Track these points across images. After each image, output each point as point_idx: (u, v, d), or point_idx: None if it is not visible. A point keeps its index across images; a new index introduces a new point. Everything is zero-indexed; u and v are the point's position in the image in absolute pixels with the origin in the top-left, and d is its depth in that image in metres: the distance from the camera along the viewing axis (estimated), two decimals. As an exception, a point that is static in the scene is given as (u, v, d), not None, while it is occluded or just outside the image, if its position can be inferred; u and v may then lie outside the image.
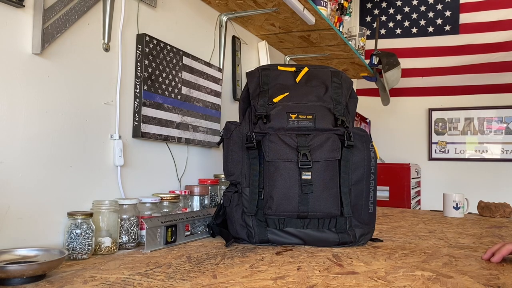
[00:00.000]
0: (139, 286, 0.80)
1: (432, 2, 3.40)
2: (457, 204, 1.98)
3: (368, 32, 3.35)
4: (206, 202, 1.50)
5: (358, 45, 2.76)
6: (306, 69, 1.33)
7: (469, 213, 2.13)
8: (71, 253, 1.01)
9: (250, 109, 1.27)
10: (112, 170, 1.27)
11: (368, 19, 3.61)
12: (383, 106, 3.04)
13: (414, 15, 3.44)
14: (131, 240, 1.15)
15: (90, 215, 1.04)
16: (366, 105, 3.49)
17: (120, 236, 1.14)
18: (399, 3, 3.50)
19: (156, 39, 1.40)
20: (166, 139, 1.44)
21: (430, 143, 3.38)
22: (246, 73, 1.36)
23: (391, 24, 3.52)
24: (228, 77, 1.91)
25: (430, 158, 3.38)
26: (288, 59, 2.48)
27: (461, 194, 2.00)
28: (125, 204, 1.16)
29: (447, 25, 3.34)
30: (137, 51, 1.34)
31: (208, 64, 1.67)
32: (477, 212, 2.11)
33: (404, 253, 1.15)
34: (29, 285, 0.80)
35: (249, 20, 1.93)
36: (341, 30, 2.40)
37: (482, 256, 1.10)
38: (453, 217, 1.97)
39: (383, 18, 3.54)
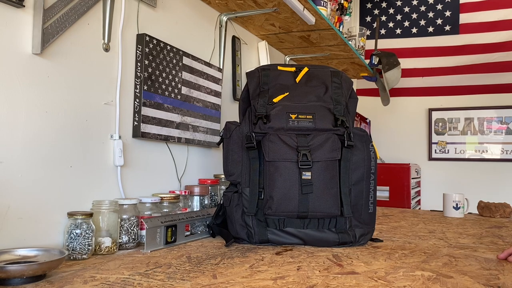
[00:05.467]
0: (139, 286, 0.80)
1: (432, 2, 3.40)
2: (457, 204, 1.98)
3: (368, 32, 3.35)
4: (206, 202, 1.50)
5: (358, 45, 2.76)
6: (306, 69, 1.33)
7: (469, 213, 2.13)
8: (71, 253, 1.01)
9: (250, 109, 1.27)
10: (112, 170, 1.27)
11: (368, 19, 3.61)
12: (383, 106, 3.04)
13: (414, 15, 3.44)
14: (131, 240, 1.15)
15: (90, 215, 1.04)
16: (366, 105, 3.49)
17: (120, 236, 1.14)
18: (399, 3, 3.50)
19: (156, 39, 1.40)
20: (166, 139, 1.44)
21: (430, 143, 3.38)
22: (246, 73, 1.36)
23: (391, 24, 3.52)
24: (228, 77, 1.91)
25: (430, 158, 3.38)
26: (288, 59, 2.48)
27: (461, 194, 2.00)
28: (125, 204, 1.16)
29: (447, 25, 3.34)
30: (137, 51, 1.34)
31: (208, 64, 1.67)
32: (477, 212, 2.11)
33: (404, 253, 1.15)
34: (29, 285, 0.80)
35: (249, 20, 1.93)
36: (341, 30, 2.40)
37: (498, 255, 1.10)
38: (453, 217, 1.97)
39: (383, 18, 3.54)
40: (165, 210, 1.29)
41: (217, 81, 1.72)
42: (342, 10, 2.41)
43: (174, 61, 1.48)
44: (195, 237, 1.31)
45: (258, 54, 2.17)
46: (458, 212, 1.97)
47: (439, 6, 3.37)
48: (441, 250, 1.20)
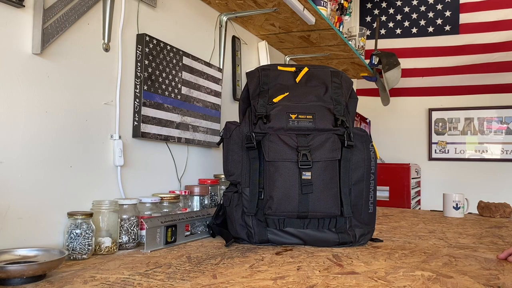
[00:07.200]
0: (139, 286, 0.80)
1: (432, 2, 3.40)
2: (457, 204, 1.98)
3: (368, 32, 3.35)
4: (206, 202, 1.50)
5: (358, 45, 2.76)
6: (306, 69, 1.33)
7: (469, 213, 2.13)
8: (71, 253, 1.01)
9: (250, 109, 1.27)
10: (112, 170, 1.27)
11: (368, 19, 3.61)
12: (383, 106, 3.04)
13: (414, 15, 3.44)
14: (131, 240, 1.15)
15: (90, 215, 1.04)
16: (366, 105, 3.49)
17: (120, 236, 1.14)
18: (399, 3, 3.50)
19: (156, 39, 1.40)
20: (166, 139, 1.44)
21: (430, 143, 3.38)
22: (246, 73, 1.36)
23: (391, 24, 3.52)
24: (228, 77, 1.91)
25: (430, 158, 3.38)
26: (288, 59, 2.48)
27: (461, 194, 2.00)
28: (125, 204, 1.16)
29: (447, 25, 3.34)
30: (137, 51, 1.34)
31: (208, 64, 1.67)
32: (477, 212, 2.11)
33: (404, 253, 1.15)
34: (29, 285, 0.80)
35: (249, 20, 1.93)
36: (341, 30, 2.40)
37: (498, 255, 1.11)
38: (453, 217, 1.97)
39: (383, 18, 3.54)
40: (165, 210, 1.29)
41: (217, 81, 1.72)
42: (342, 10, 2.41)
43: (174, 61, 1.48)
44: (195, 237, 1.31)
45: (258, 54, 2.17)
46: (458, 212, 1.97)
47: (439, 6, 3.37)
48: (441, 250, 1.20)
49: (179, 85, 1.50)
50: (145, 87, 1.35)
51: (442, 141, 3.35)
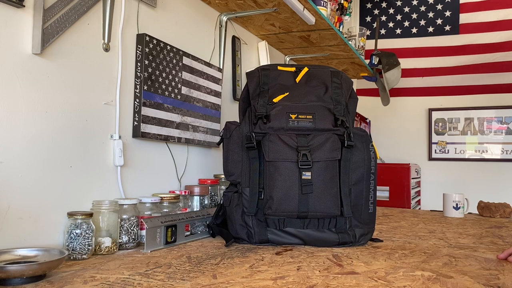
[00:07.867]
0: (139, 286, 0.80)
1: (432, 2, 3.40)
2: (457, 204, 1.98)
3: (368, 32, 3.35)
4: (206, 202, 1.50)
5: (358, 45, 2.76)
6: (306, 69, 1.33)
7: (469, 213, 2.13)
8: (71, 253, 1.01)
9: (250, 109, 1.27)
10: (112, 170, 1.27)
11: (368, 19, 3.61)
12: (383, 106, 3.04)
13: (414, 15, 3.44)
14: (131, 240, 1.15)
15: (90, 215, 1.04)
16: (366, 105, 3.49)
17: (120, 236, 1.14)
18: (399, 3, 3.50)
19: (156, 39, 1.40)
20: (166, 139, 1.44)
21: (430, 143, 3.38)
22: (246, 73, 1.36)
23: (391, 24, 3.52)
24: (228, 77, 1.91)
25: (430, 158, 3.38)
26: (288, 59, 2.48)
27: (461, 194, 2.00)
28: (125, 204, 1.16)
29: (447, 25, 3.35)
30: (137, 51, 1.34)
31: (208, 64, 1.67)
32: (477, 212, 2.11)
33: (404, 253, 1.15)
34: (29, 285, 0.80)
35: (249, 20, 1.93)
36: (341, 30, 2.40)
37: (498, 255, 1.11)
38: (453, 217, 1.97)
39: (383, 18, 3.54)
40: (165, 210, 1.29)
41: (217, 81, 1.72)
42: (342, 10, 2.41)
43: (174, 61, 1.48)
44: (195, 237, 1.31)
45: (258, 54, 2.17)
46: (458, 212, 1.97)
47: (439, 6, 3.38)
48: (441, 250, 1.20)
49: (179, 85, 1.50)
50: (145, 87, 1.35)
51: (442, 141, 3.35)
